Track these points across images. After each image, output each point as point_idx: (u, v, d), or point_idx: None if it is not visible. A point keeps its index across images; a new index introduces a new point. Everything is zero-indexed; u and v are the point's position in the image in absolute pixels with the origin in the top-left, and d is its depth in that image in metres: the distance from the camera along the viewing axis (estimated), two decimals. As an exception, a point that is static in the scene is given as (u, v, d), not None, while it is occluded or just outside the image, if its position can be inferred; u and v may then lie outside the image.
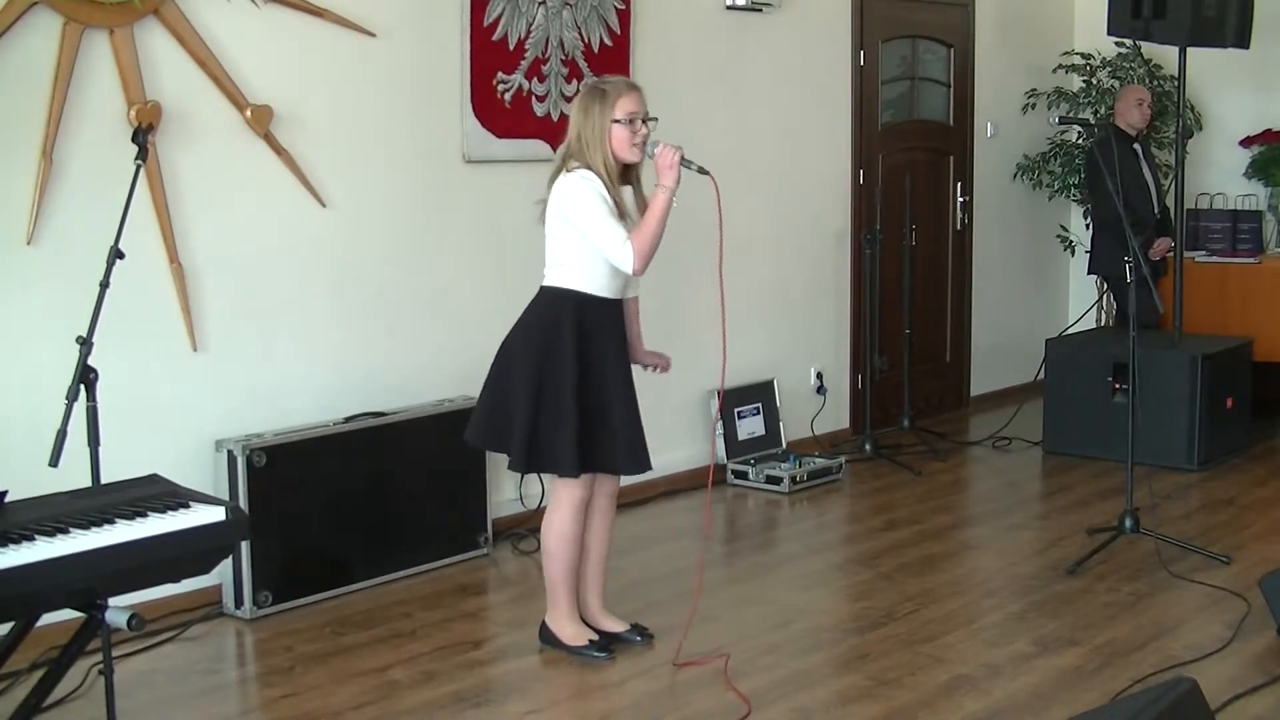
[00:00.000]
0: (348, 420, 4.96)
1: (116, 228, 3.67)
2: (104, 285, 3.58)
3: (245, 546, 4.52)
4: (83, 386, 3.44)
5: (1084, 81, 8.11)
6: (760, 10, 6.49)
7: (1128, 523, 5.23)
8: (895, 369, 7.18)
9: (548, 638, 4.31)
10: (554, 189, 4.09)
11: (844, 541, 5.63)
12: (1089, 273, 7.69)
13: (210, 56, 4.61)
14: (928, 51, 7.74)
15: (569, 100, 5.67)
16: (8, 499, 2.89)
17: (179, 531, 2.91)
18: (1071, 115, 7.83)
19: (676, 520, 5.84)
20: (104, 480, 3.43)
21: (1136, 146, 7.11)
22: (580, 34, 5.75)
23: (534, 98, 5.61)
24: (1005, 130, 8.13)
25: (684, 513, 5.95)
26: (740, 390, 6.48)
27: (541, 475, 4.84)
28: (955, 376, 8.11)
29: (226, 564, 4.11)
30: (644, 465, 4.23)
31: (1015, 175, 8.21)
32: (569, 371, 4.06)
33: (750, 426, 6.57)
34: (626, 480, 4.43)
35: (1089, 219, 7.81)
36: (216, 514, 2.98)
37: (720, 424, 6.34)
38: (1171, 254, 7.09)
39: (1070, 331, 7.93)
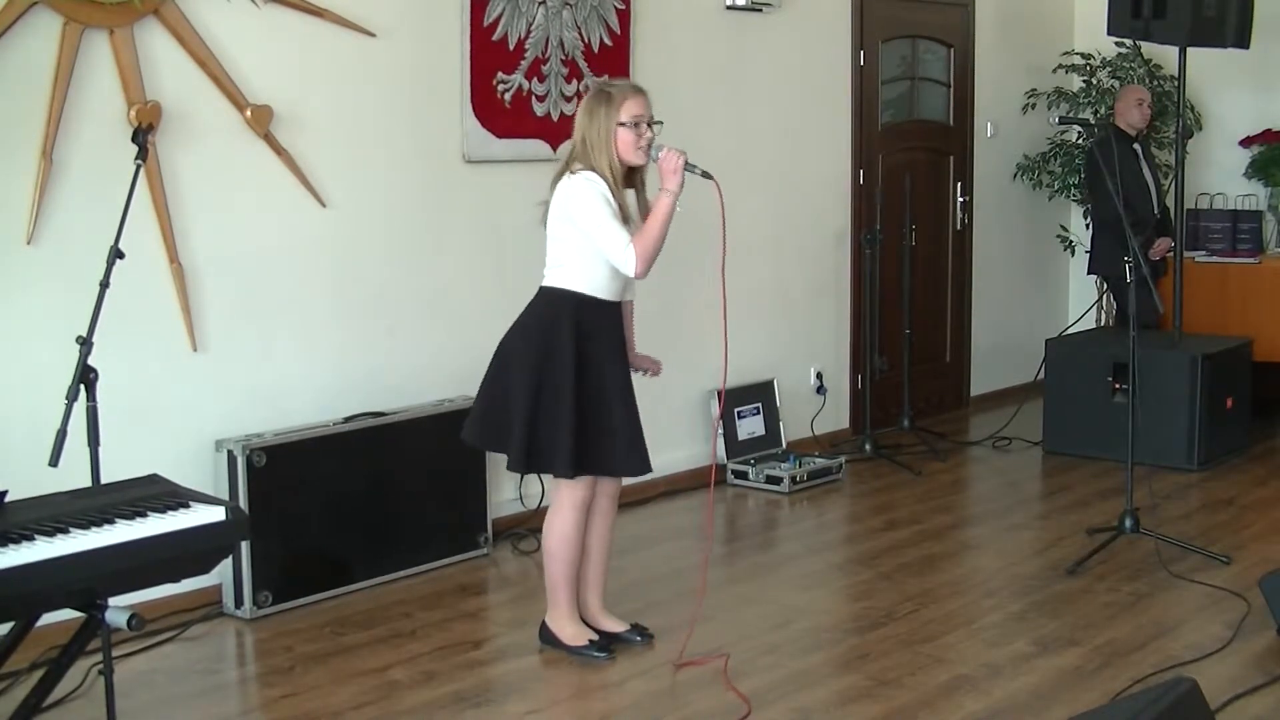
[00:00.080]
0: (348, 420, 4.96)
1: (116, 228, 3.67)
2: (104, 285, 3.58)
3: (245, 546, 4.52)
4: (83, 386, 3.44)
5: (1084, 81, 8.11)
6: (760, 10, 6.50)
7: (1128, 523, 5.23)
8: (895, 369, 7.18)
9: (548, 638, 4.31)
10: (557, 190, 4.09)
11: (844, 541, 5.63)
12: (1089, 273, 7.69)
13: (210, 56, 4.61)
14: (928, 51, 7.74)
15: (569, 100, 5.68)
16: (8, 499, 2.89)
17: (179, 531, 2.91)
18: (1071, 115, 7.83)
19: (676, 520, 5.84)
20: (104, 480, 3.43)
21: (1136, 146, 7.11)
22: (580, 34, 5.75)
23: (534, 98, 5.61)
24: (1005, 130, 8.13)
25: (684, 513, 5.95)
26: (740, 390, 6.48)
27: (541, 475, 4.84)
28: (955, 376, 8.11)
29: (226, 564, 4.11)
30: (644, 467, 4.23)
31: (1015, 175, 8.21)
32: (568, 372, 4.06)
33: (750, 426, 6.57)
34: (627, 480, 4.43)
35: (1089, 219, 7.81)
36: (216, 514, 2.98)
37: (720, 424, 6.34)
38: (1171, 254, 7.09)
39: (1070, 331, 7.93)
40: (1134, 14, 6.72)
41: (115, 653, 3.99)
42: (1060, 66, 8.20)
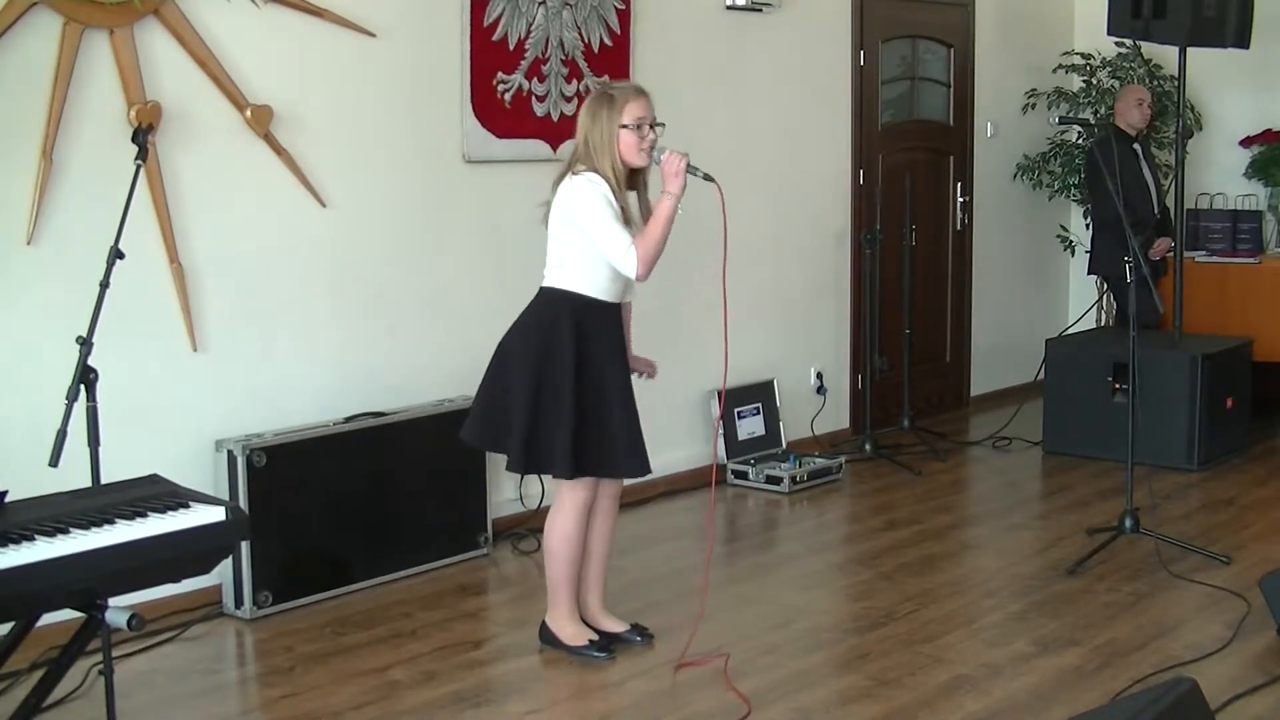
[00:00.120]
0: (348, 420, 4.96)
1: (116, 228, 3.67)
2: (104, 285, 3.58)
3: (245, 546, 4.52)
4: (83, 386, 3.44)
5: (1084, 81, 8.11)
6: (760, 10, 6.50)
7: (1128, 523, 5.23)
8: (895, 369, 7.18)
9: (548, 638, 4.31)
10: (559, 191, 4.10)
11: (844, 541, 5.63)
12: (1089, 273, 7.69)
13: (210, 56, 4.61)
14: (928, 51, 7.74)
15: (569, 100, 5.68)
16: (8, 499, 2.89)
17: (179, 531, 2.91)
18: (1071, 115, 7.83)
19: (676, 520, 5.84)
20: (104, 480, 3.43)
21: (1136, 146, 7.11)
22: (580, 34, 5.75)
23: (534, 98, 5.61)
24: (1005, 130, 8.13)
25: (684, 513, 5.95)
26: (740, 390, 6.48)
27: (541, 475, 4.84)
28: (955, 376, 8.11)
29: (226, 564, 4.11)
30: (643, 469, 4.23)
31: (1015, 175, 8.21)
32: (567, 372, 4.06)
33: (750, 426, 6.57)
34: (627, 480, 4.43)
35: (1089, 219, 7.81)
36: (216, 514, 2.98)
37: (720, 424, 6.34)
38: (1171, 254, 7.10)
39: (1070, 331, 7.93)
40: (1134, 14, 6.72)
41: (115, 653, 3.99)
42: (1060, 66, 8.20)
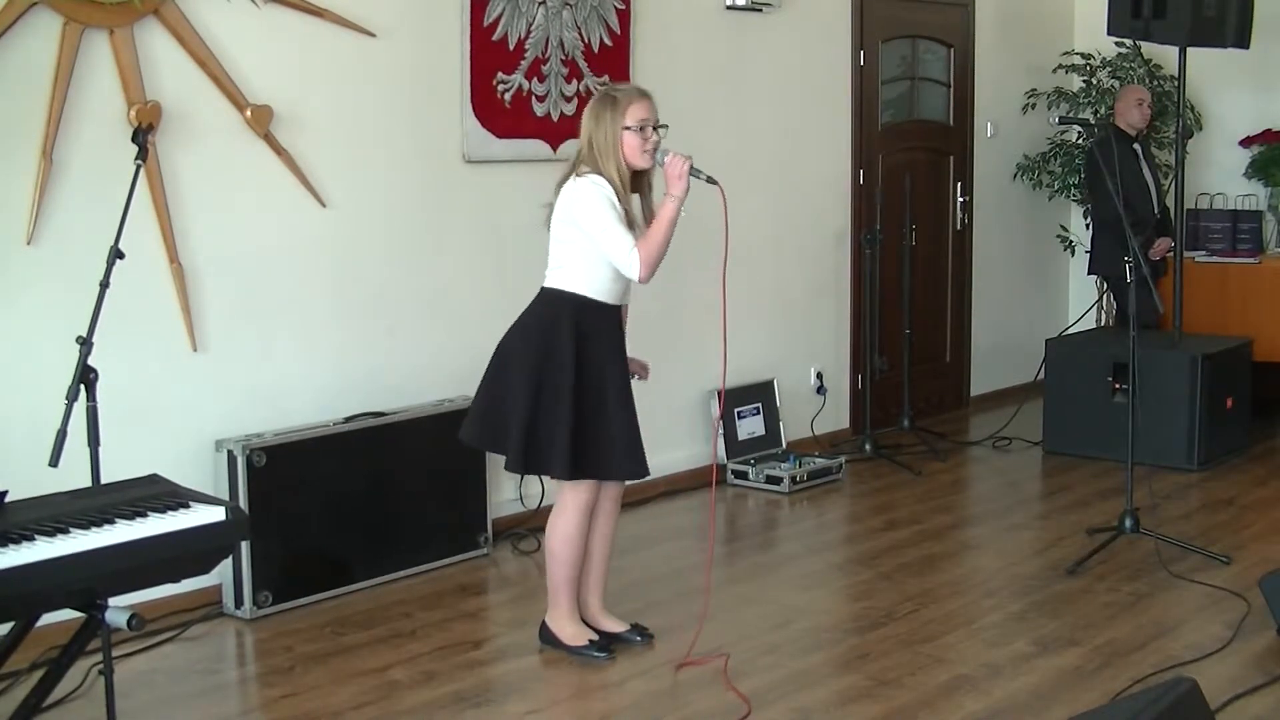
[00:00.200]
0: (348, 420, 4.96)
1: (116, 228, 3.67)
2: (104, 285, 3.58)
3: (245, 546, 4.52)
4: (83, 386, 3.44)
5: (1084, 81, 8.11)
6: (760, 10, 6.49)
7: (1128, 523, 5.23)
8: (895, 369, 7.18)
9: (548, 638, 4.31)
10: (562, 192, 4.09)
11: (844, 541, 5.63)
12: (1089, 273, 7.69)
13: (210, 56, 4.61)
14: (928, 51, 7.74)
15: (569, 100, 5.68)
16: (8, 499, 2.88)
17: (179, 531, 2.91)
18: (1071, 115, 7.83)
19: (676, 520, 5.84)
20: (104, 480, 3.43)
21: (1136, 146, 7.11)
22: (580, 34, 5.75)
23: (534, 98, 5.61)
24: (1005, 130, 8.13)
25: (684, 513, 5.95)
26: (740, 390, 6.48)
27: (541, 476, 4.84)
28: (955, 376, 8.11)
29: (226, 564, 4.11)
30: (641, 471, 4.23)
31: (1015, 175, 8.21)
32: (567, 373, 4.06)
33: (750, 426, 6.57)
34: (627, 480, 4.42)
35: (1089, 219, 7.81)
36: (216, 514, 2.98)
37: (720, 424, 6.34)
38: (1171, 254, 7.10)
39: (1070, 331, 7.93)
40: (1134, 14, 6.72)
41: (115, 653, 3.99)
42: (1060, 66, 8.20)
